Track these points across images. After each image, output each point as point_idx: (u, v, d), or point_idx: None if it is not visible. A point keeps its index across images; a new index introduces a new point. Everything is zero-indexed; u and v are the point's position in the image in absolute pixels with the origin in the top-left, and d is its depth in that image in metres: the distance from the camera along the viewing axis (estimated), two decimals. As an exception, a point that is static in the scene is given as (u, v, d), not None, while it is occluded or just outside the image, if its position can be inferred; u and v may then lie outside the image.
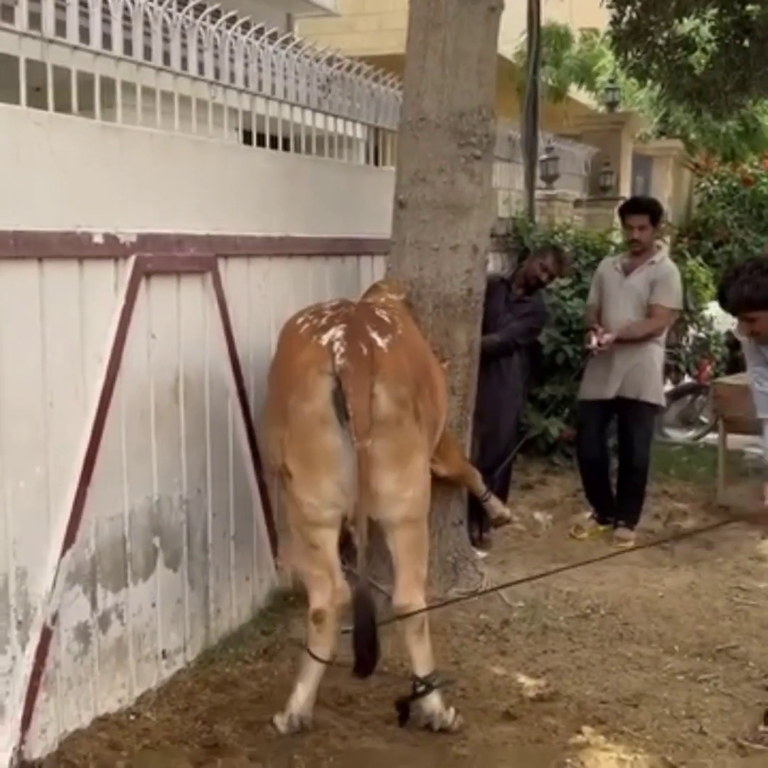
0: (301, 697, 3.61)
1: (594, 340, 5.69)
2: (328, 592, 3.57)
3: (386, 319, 3.72)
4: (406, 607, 3.62)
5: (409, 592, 3.64)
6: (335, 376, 3.39)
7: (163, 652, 3.98)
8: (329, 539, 3.58)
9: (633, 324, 5.77)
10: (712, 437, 7.76)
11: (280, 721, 3.59)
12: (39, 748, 3.37)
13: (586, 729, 3.66)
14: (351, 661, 3.47)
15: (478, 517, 5.67)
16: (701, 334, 8.24)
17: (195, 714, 3.75)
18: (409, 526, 3.65)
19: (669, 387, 8.34)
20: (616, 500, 6.07)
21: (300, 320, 3.74)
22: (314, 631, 3.61)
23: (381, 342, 3.52)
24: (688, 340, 8.01)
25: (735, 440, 6.87)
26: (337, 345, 3.44)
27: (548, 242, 6.47)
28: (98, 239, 3.51)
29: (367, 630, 3.40)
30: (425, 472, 3.71)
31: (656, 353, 5.88)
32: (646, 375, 5.80)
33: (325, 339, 3.49)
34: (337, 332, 3.49)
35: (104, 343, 3.60)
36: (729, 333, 9.09)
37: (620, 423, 6.03)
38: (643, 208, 5.94)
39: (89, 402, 3.54)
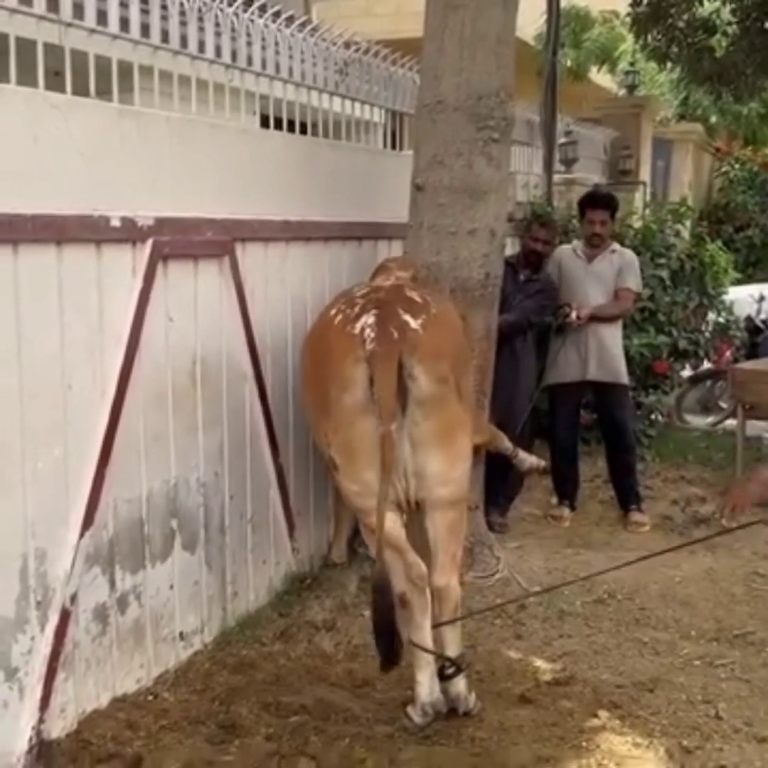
0: (425, 684, 3.57)
1: (573, 314, 5.83)
2: (403, 571, 3.51)
3: (418, 299, 3.69)
4: (443, 589, 3.60)
5: (447, 574, 3.62)
6: (368, 362, 3.39)
7: (181, 633, 4.01)
8: (388, 520, 3.49)
9: (606, 303, 5.98)
10: (730, 423, 7.71)
11: (414, 713, 3.56)
12: (58, 727, 3.41)
13: (602, 713, 3.66)
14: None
15: (495, 502, 5.68)
16: (721, 319, 8.17)
17: (212, 695, 3.78)
18: (452, 507, 3.63)
19: (688, 372, 8.29)
20: (615, 486, 6.14)
21: (333, 311, 3.73)
22: (406, 616, 3.54)
23: (414, 323, 3.50)
24: (707, 325, 7.93)
25: (754, 426, 6.84)
26: (367, 331, 3.44)
27: (539, 217, 6.43)
28: (116, 223, 3.52)
29: (386, 620, 3.38)
30: (469, 450, 3.70)
31: (621, 337, 6.15)
32: (619, 359, 6.04)
33: (357, 327, 3.49)
34: (368, 319, 3.49)
35: (122, 327, 3.62)
36: (748, 318, 9.02)
37: (604, 407, 6.16)
38: (603, 203, 6.11)
39: (107, 385, 3.56)
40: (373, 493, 3.48)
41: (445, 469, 3.54)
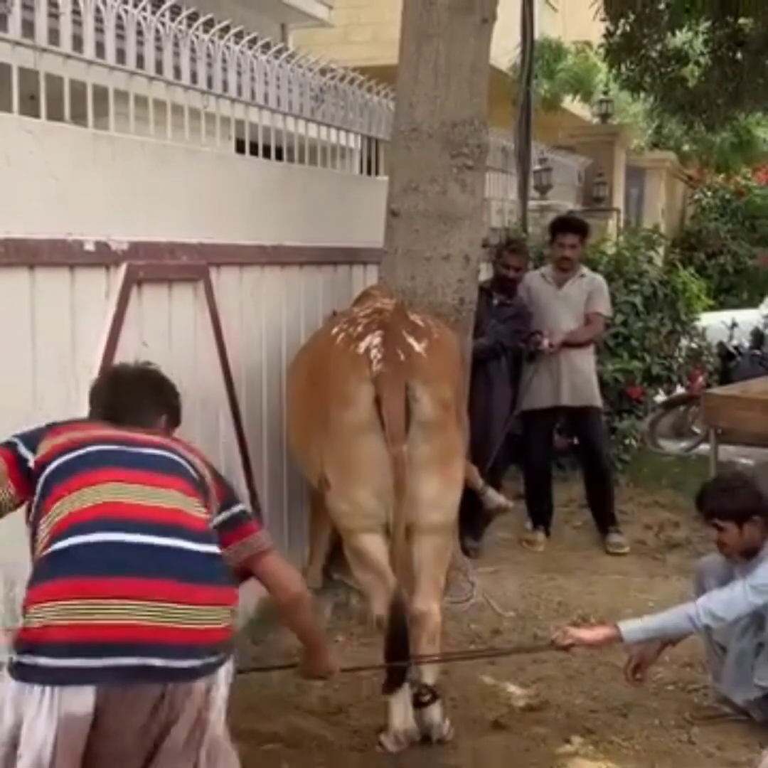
0: (398, 712, 3.53)
1: (545, 342, 5.87)
2: (382, 596, 3.48)
3: (421, 323, 3.74)
4: (424, 614, 3.57)
5: (429, 599, 3.60)
6: (374, 382, 3.40)
7: (153, 660, 3.96)
8: (373, 542, 3.52)
9: (577, 329, 6.03)
10: (704, 448, 7.75)
11: (387, 741, 3.52)
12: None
13: (575, 738, 3.66)
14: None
15: (470, 527, 5.67)
16: (693, 345, 8.24)
17: (184, 722, 3.73)
18: (440, 533, 3.63)
19: (662, 397, 8.34)
20: (592, 508, 6.18)
21: (335, 330, 3.75)
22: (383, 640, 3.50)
23: (418, 346, 3.54)
24: (680, 351, 8.00)
25: (727, 451, 6.88)
26: (374, 352, 3.46)
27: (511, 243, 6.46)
28: (89, 247, 3.52)
29: (401, 643, 3.38)
30: (462, 477, 3.72)
31: (593, 361, 6.22)
32: (591, 382, 6.10)
33: (362, 347, 3.51)
34: (374, 339, 3.52)
35: (95, 351, 3.60)
36: (721, 344, 9.10)
37: (580, 431, 6.26)
38: (574, 227, 6.18)
39: (80, 409, 3.53)
40: (363, 514, 3.49)
41: (440, 494, 3.55)
